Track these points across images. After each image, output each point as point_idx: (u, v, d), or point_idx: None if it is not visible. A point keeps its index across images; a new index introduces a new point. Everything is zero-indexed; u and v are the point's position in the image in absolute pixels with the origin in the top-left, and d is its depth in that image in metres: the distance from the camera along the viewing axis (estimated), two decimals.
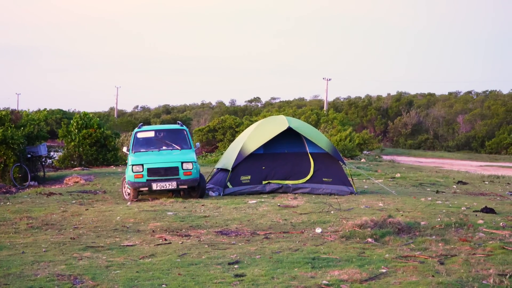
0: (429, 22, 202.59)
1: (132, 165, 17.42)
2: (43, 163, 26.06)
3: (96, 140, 30.91)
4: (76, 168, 28.93)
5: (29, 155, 23.87)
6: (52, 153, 31.43)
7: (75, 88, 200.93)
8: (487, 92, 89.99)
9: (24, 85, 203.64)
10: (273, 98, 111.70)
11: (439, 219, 12.73)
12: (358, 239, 10.95)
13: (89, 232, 12.39)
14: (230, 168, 18.37)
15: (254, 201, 16.40)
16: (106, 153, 31.29)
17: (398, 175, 27.03)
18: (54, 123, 64.97)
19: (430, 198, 17.15)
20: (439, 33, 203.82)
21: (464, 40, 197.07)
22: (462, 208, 14.83)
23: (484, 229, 11.51)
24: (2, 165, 22.85)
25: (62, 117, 68.49)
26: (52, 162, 30.75)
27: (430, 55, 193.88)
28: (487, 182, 25.22)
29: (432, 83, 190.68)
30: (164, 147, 18.71)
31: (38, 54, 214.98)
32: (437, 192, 20.46)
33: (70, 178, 23.31)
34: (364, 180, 23.65)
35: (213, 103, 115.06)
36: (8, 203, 17.25)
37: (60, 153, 32.48)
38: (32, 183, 23.02)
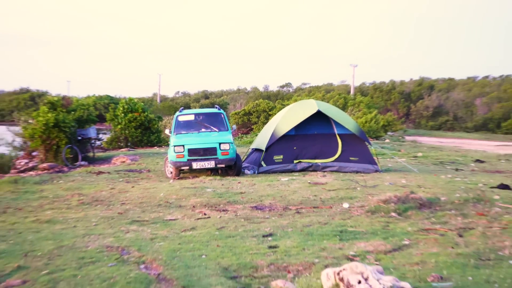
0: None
1: (174, 146, 17.29)
2: (93, 145, 25.97)
3: (141, 123, 31.13)
4: (122, 149, 29.12)
5: (79, 137, 23.76)
6: (100, 135, 30.14)
7: (122, 75, 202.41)
8: (503, 76, 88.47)
9: (74, 72, 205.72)
10: (304, 83, 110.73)
11: (458, 195, 12.43)
12: (382, 213, 10.72)
13: (135, 208, 12.24)
14: (264, 148, 18.23)
15: (286, 179, 16.21)
16: (150, 135, 31.46)
17: (420, 154, 26.80)
18: (102, 108, 64.71)
19: (449, 176, 16.95)
20: (459, 22, 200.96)
21: (482, 29, 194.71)
22: (479, 185, 14.55)
23: (500, 204, 11.14)
24: (55, 147, 22.69)
25: (110, 102, 68.19)
26: (101, 143, 30.58)
27: (450, 42, 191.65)
28: (503, 161, 24.76)
29: (451, 68, 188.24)
30: (203, 129, 18.56)
31: (86, 43, 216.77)
32: (456, 170, 20.18)
33: (117, 158, 23.33)
34: (388, 159, 23.45)
35: (248, 89, 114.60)
36: (60, 181, 17.15)
37: (108, 135, 32.45)
38: (82, 162, 22.96)
